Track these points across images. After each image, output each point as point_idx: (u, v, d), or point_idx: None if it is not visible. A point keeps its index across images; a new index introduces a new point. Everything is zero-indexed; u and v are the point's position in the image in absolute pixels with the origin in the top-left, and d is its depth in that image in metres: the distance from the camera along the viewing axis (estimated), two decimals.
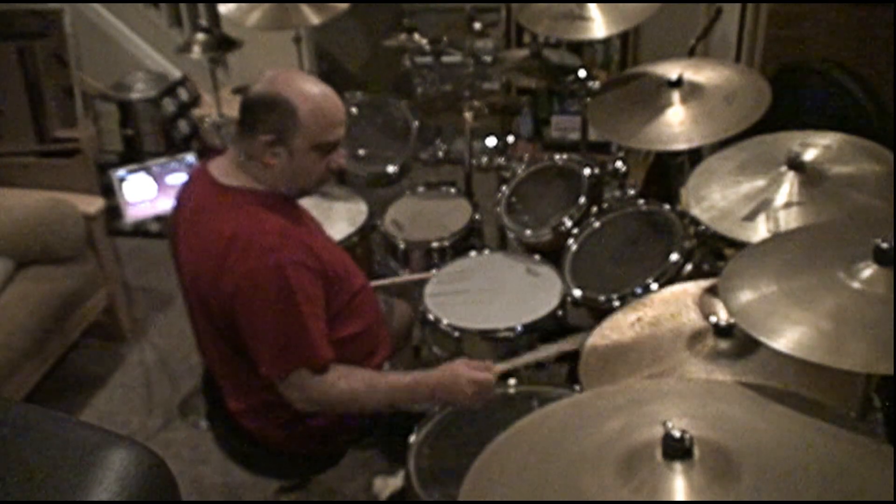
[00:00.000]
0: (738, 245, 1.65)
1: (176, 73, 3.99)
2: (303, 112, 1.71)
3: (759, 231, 1.61)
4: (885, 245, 1.17)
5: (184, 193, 1.91)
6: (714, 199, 1.73)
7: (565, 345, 1.86)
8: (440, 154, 3.00)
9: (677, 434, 1.01)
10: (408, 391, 1.78)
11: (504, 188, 2.59)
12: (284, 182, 1.78)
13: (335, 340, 1.80)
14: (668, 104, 2.14)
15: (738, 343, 1.48)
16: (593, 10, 2.38)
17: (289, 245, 1.72)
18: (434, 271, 2.37)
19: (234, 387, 1.91)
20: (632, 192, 2.59)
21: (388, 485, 2.29)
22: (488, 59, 3.32)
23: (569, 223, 2.34)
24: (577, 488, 1.04)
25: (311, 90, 1.74)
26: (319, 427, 1.91)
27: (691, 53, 2.76)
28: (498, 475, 1.13)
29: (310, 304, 1.72)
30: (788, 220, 1.60)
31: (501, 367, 1.80)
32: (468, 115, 2.72)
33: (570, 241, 2.29)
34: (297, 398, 1.75)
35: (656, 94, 2.17)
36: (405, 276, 2.47)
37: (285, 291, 1.68)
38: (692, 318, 1.63)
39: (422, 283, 2.33)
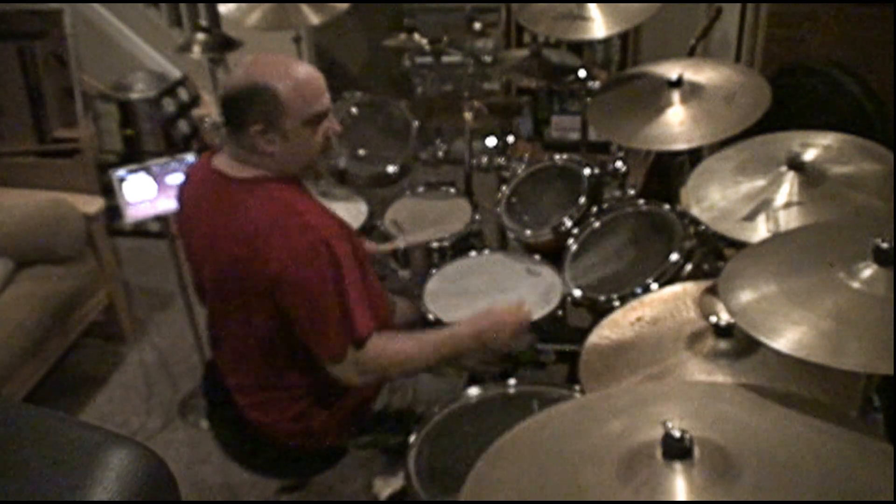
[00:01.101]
0: (738, 245, 1.65)
1: (176, 73, 3.99)
2: (284, 92, 1.71)
3: (759, 231, 1.61)
4: (885, 245, 1.17)
5: (189, 192, 1.91)
6: (714, 198, 1.73)
7: None
8: (440, 154, 3.00)
9: (677, 434, 1.01)
10: (452, 341, 1.84)
11: (504, 188, 2.59)
12: (288, 164, 1.79)
13: None
14: (668, 104, 2.14)
15: (738, 343, 1.48)
16: (593, 10, 2.37)
17: (323, 220, 1.75)
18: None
19: (245, 381, 1.91)
20: (632, 192, 2.59)
21: (388, 485, 2.29)
22: (488, 59, 3.32)
23: (569, 223, 2.34)
24: (577, 489, 1.04)
25: (285, 68, 1.74)
26: (323, 424, 1.91)
27: (691, 53, 2.76)
28: (499, 475, 1.13)
29: (353, 273, 1.74)
30: (788, 220, 1.60)
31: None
32: (468, 115, 2.71)
33: (570, 241, 2.29)
34: (352, 373, 1.76)
35: (656, 94, 2.17)
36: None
37: (333, 265, 1.70)
38: (692, 318, 1.63)
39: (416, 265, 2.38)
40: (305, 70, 1.77)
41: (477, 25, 3.37)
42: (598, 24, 2.37)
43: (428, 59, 3.40)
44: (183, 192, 1.93)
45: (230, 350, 1.94)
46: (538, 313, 2.13)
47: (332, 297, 1.70)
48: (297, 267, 1.69)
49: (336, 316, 1.71)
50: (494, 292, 2.26)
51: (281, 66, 1.74)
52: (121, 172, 2.45)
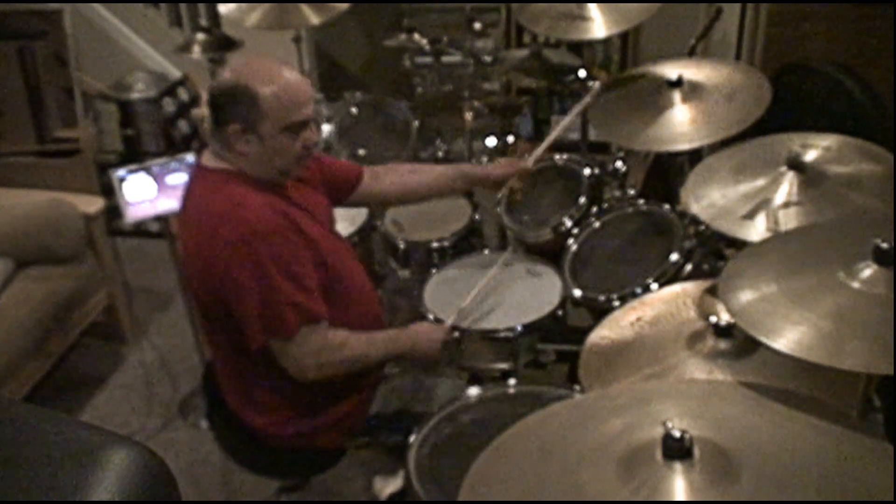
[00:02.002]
0: (738, 245, 1.65)
1: (176, 73, 3.99)
2: (265, 97, 1.72)
3: (759, 231, 1.61)
4: (885, 245, 1.17)
5: (185, 192, 1.92)
6: (713, 197, 1.73)
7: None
8: (440, 154, 3.00)
9: (677, 434, 1.01)
10: (389, 341, 1.93)
11: (504, 188, 2.58)
12: (262, 167, 1.80)
13: None
14: (669, 104, 2.14)
15: (738, 343, 1.48)
16: (593, 10, 2.37)
17: (265, 217, 1.74)
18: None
19: (235, 383, 1.91)
20: (632, 192, 2.59)
21: (388, 485, 2.29)
22: (488, 59, 3.32)
23: (569, 223, 2.34)
24: (577, 488, 1.04)
25: (271, 74, 1.74)
26: (320, 425, 1.91)
27: (691, 53, 2.76)
28: (498, 475, 1.13)
29: (285, 269, 1.73)
30: (788, 220, 1.60)
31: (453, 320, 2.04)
32: (468, 115, 2.72)
33: (570, 241, 2.29)
34: (292, 364, 1.78)
35: (657, 95, 2.17)
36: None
37: (257, 261, 1.70)
38: (692, 318, 1.63)
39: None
40: (292, 78, 1.77)
41: (477, 25, 3.37)
42: (598, 24, 2.37)
43: (428, 59, 3.40)
44: (184, 192, 1.95)
45: (219, 351, 1.94)
46: (538, 313, 2.13)
47: (253, 291, 1.71)
48: (223, 262, 1.71)
49: (256, 309, 1.72)
50: (494, 292, 2.26)
51: (267, 71, 1.75)
52: (121, 172, 2.46)
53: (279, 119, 1.74)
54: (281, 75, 1.75)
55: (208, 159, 1.85)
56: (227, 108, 1.74)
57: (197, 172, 1.88)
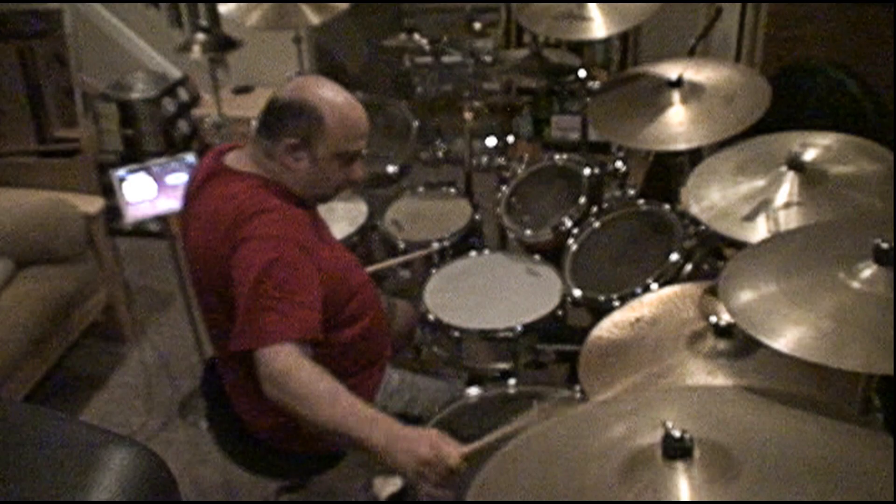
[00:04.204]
0: (738, 245, 1.65)
1: (176, 73, 3.99)
2: (329, 120, 1.73)
3: (759, 231, 1.61)
4: (885, 245, 1.17)
5: (192, 188, 1.91)
6: (714, 198, 1.73)
7: (522, 421, 1.52)
8: (440, 154, 3.00)
9: (677, 434, 1.01)
10: (366, 422, 1.58)
11: (504, 188, 2.59)
12: (303, 186, 1.80)
13: (337, 344, 1.80)
14: (669, 104, 2.14)
15: (738, 343, 1.48)
16: (593, 10, 2.38)
17: (287, 224, 1.73)
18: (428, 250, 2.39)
19: (239, 382, 1.91)
20: (632, 192, 2.59)
21: (388, 485, 2.29)
22: (488, 59, 3.32)
23: (569, 223, 2.34)
24: (580, 492, 1.04)
25: (338, 99, 1.77)
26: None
27: (691, 53, 2.76)
28: (503, 482, 1.13)
29: (296, 280, 1.68)
30: (788, 220, 1.60)
31: (467, 449, 1.55)
32: (468, 115, 2.72)
33: (570, 241, 2.29)
34: (263, 374, 1.63)
35: (656, 94, 2.17)
36: (395, 259, 2.47)
37: (272, 264, 1.66)
38: (692, 318, 1.63)
39: (416, 266, 2.37)
40: (355, 108, 1.79)
41: (477, 25, 3.37)
42: (598, 24, 2.37)
43: (428, 59, 3.41)
44: (187, 188, 1.94)
45: (222, 349, 1.94)
46: (538, 313, 2.13)
47: (248, 290, 1.65)
48: (239, 257, 1.68)
49: (244, 310, 1.65)
50: (494, 292, 2.26)
51: (334, 95, 1.77)
52: (121, 172, 2.46)
53: (336, 144, 1.75)
54: (348, 102, 1.78)
55: (238, 162, 1.82)
56: (288, 121, 1.74)
57: (217, 171, 1.83)
